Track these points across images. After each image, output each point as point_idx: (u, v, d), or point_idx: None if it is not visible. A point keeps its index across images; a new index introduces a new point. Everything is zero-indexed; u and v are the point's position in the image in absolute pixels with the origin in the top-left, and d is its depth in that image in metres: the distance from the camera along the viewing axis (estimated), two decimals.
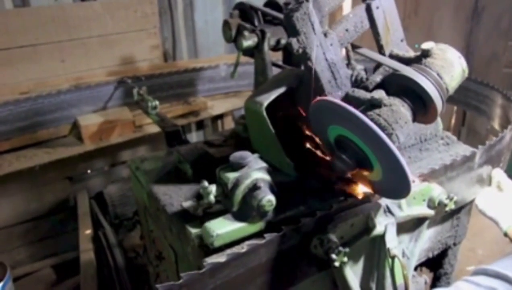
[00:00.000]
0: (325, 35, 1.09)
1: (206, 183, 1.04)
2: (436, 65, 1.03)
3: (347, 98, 1.11)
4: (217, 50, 3.10)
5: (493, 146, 1.36)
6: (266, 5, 1.60)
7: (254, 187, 1.02)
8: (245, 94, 2.83)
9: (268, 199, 1.00)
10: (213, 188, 1.05)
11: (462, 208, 1.46)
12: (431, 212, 1.21)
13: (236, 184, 1.03)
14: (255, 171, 1.04)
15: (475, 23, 3.39)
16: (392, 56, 1.14)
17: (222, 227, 1.01)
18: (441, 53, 1.05)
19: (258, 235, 1.01)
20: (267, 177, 1.05)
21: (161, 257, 1.50)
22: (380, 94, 1.01)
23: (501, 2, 3.19)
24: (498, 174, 1.40)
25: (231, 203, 1.04)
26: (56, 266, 2.54)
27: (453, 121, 3.60)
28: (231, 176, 1.03)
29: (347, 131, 0.97)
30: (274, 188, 1.05)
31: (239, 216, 1.04)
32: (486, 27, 3.34)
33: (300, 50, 1.06)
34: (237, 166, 1.04)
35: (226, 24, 1.53)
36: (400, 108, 1.00)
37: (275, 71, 1.49)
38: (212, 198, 1.05)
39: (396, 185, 0.97)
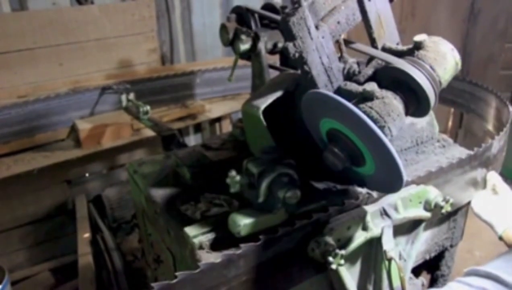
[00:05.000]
0: (317, 27, 1.08)
1: (234, 172, 1.06)
2: (428, 57, 1.02)
3: (339, 91, 1.10)
4: (215, 53, 3.11)
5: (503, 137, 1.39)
6: (263, 8, 1.60)
7: (280, 180, 1.04)
8: (243, 97, 2.84)
9: (294, 191, 1.02)
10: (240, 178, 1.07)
11: (459, 210, 1.47)
12: (427, 214, 1.21)
13: (263, 176, 1.04)
14: (281, 164, 1.06)
15: (472, 25, 3.40)
16: (384, 49, 1.13)
17: (248, 218, 1.04)
18: (433, 46, 1.04)
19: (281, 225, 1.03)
20: (292, 170, 1.07)
21: (159, 261, 1.50)
22: (372, 86, 1.00)
23: (497, 4, 3.20)
24: (493, 177, 1.40)
25: (257, 194, 1.05)
26: (54, 269, 2.54)
27: (450, 123, 3.61)
28: (258, 167, 1.05)
29: (339, 124, 0.95)
30: (298, 181, 1.07)
31: (264, 207, 1.06)
32: (482, 28, 3.35)
33: (297, 55, 1.06)
34: (264, 159, 1.06)
35: (223, 28, 1.54)
36: (392, 101, 0.98)
37: (273, 73, 1.50)
38: (238, 187, 1.06)
39: (389, 178, 0.95)
